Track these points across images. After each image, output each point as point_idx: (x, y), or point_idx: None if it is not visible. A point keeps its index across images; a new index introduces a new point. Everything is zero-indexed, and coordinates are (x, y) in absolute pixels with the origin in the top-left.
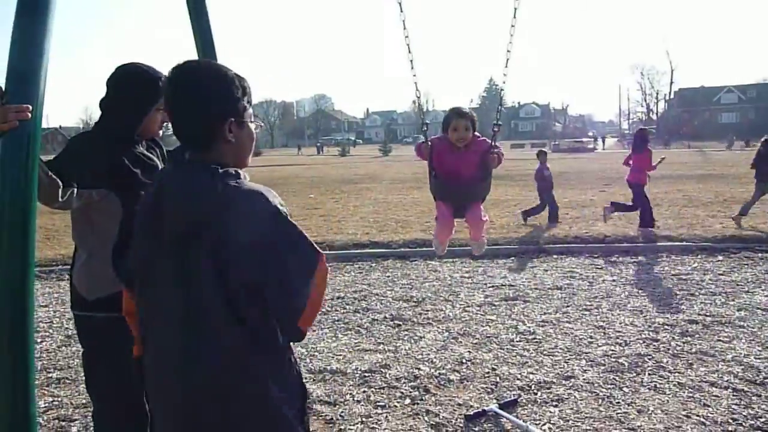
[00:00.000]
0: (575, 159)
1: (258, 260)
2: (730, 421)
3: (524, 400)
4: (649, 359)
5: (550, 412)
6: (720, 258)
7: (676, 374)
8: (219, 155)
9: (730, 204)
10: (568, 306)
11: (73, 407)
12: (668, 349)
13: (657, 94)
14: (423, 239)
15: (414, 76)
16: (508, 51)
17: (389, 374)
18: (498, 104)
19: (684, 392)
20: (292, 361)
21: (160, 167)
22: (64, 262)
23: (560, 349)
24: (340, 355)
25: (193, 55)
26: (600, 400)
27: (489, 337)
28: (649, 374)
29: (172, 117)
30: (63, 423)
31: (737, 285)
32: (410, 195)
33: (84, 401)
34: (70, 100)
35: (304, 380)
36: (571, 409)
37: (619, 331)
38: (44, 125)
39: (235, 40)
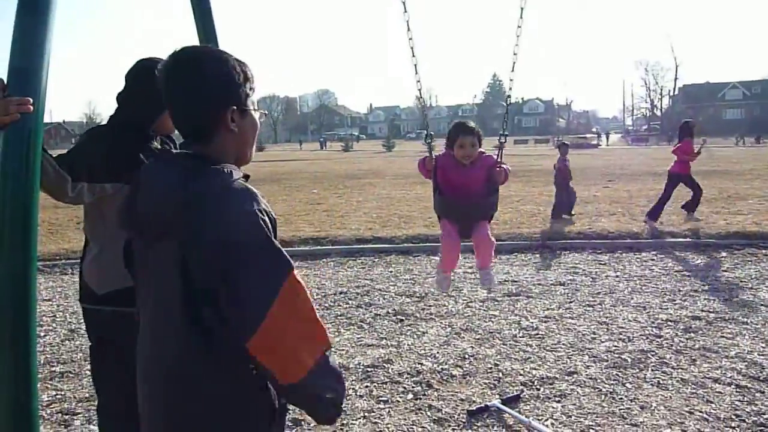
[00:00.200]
0: (579, 155)
1: (218, 266)
2: (733, 417)
3: (527, 396)
4: (652, 355)
5: (553, 407)
6: (724, 254)
7: (679, 370)
8: (221, 147)
9: (734, 200)
10: (571, 302)
11: (76, 401)
12: (671, 346)
13: (661, 90)
14: (426, 235)
15: (418, 81)
16: (515, 54)
17: (392, 369)
18: (504, 116)
19: (687, 388)
20: (254, 376)
21: None
22: (68, 256)
23: (563, 344)
24: (343, 350)
25: None
26: (603, 396)
27: (492, 332)
28: (652, 370)
29: (170, 109)
30: (66, 417)
31: (741, 282)
32: (413, 190)
33: (87, 395)
34: (73, 95)
35: (274, 399)
36: (574, 404)
37: (622, 327)
38: (47, 120)
39: (239, 34)
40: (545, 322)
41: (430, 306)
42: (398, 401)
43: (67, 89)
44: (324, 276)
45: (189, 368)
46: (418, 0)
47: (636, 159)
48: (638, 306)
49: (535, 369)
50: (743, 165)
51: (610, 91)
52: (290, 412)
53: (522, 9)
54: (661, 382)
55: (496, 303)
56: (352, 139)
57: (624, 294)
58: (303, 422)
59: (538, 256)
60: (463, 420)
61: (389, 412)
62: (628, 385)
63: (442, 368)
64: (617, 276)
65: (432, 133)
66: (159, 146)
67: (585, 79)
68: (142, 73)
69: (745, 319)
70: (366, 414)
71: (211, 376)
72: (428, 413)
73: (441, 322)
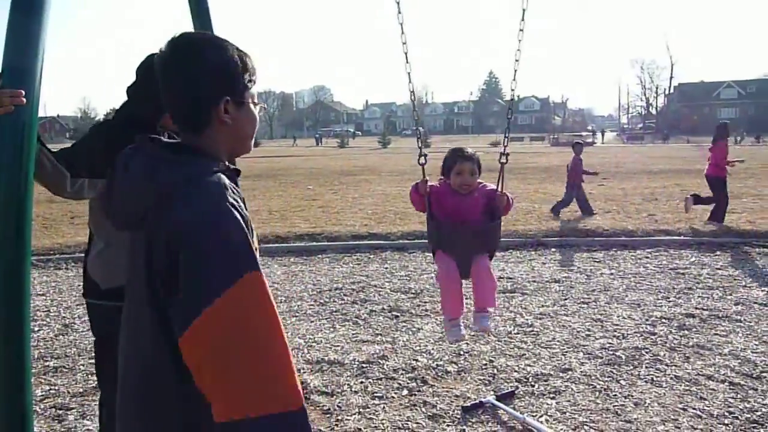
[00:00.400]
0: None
1: (173, 258)
2: (726, 414)
3: (521, 392)
4: (646, 352)
5: (547, 404)
6: (718, 252)
7: (673, 367)
8: (213, 138)
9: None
10: (565, 299)
11: (70, 396)
12: (665, 343)
13: (657, 88)
14: (421, 231)
15: (411, 92)
16: (516, 60)
17: (387, 365)
18: (505, 131)
19: (681, 385)
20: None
21: None
22: (62, 251)
23: (558, 341)
24: (338, 345)
25: None
26: (597, 393)
27: None
28: (646, 367)
29: (164, 98)
30: (60, 411)
31: (734, 279)
32: (409, 187)
33: (81, 390)
34: (68, 89)
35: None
36: (568, 401)
37: (616, 325)
38: (42, 114)
39: (236, 28)
40: (540, 319)
41: (425, 302)
42: (393, 397)
43: (62, 83)
44: (319, 272)
45: (159, 369)
46: None
47: (631, 157)
48: (633, 303)
49: (529, 365)
50: (737, 164)
51: (606, 89)
52: None
53: (524, 10)
54: (654, 379)
55: None
56: (348, 135)
57: (618, 291)
58: None
59: (533, 252)
60: (458, 416)
61: (384, 407)
62: (622, 381)
63: (437, 364)
64: (612, 273)
65: (425, 129)
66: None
67: (581, 78)
68: (151, 67)
69: (739, 317)
70: (361, 410)
71: (182, 374)
72: (423, 409)
73: (436, 319)
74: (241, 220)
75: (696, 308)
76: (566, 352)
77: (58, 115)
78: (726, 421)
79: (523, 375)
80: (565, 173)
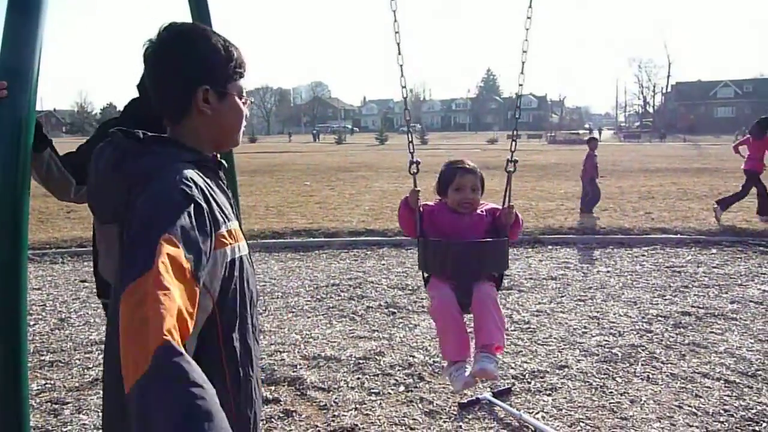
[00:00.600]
0: (571, 150)
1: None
2: (722, 412)
3: (518, 389)
4: (643, 350)
5: (544, 401)
6: (714, 251)
7: (669, 365)
8: (192, 129)
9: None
10: (562, 296)
11: (65, 390)
12: (661, 341)
13: (654, 87)
14: None
15: (405, 99)
16: (522, 61)
17: (384, 361)
18: (512, 133)
19: (676, 383)
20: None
21: None
22: (58, 245)
23: (554, 338)
24: (335, 341)
25: None
26: (593, 390)
27: None
28: (642, 365)
29: (149, 87)
30: (56, 406)
31: (730, 278)
32: (406, 184)
33: (77, 384)
34: (64, 83)
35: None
36: (565, 398)
37: (612, 322)
38: (38, 108)
39: (234, 24)
40: (537, 316)
41: (422, 299)
42: (390, 393)
43: (59, 77)
44: (316, 268)
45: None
46: None
47: (628, 155)
48: (629, 301)
49: (526, 362)
50: (734, 163)
51: (603, 87)
52: (281, 403)
53: (529, 8)
54: (650, 376)
55: None
56: (345, 131)
57: (615, 289)
58: (294, 413)
59: (530, 250)
60: (455, 412)
61: (381, 403)
62: (618, 379)
63: (433, 361)
64: (608, 271)
65: (422, 125)
66: None
67: (578, 76)
68: None
69: (735, 315)
70: (357, 405)
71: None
72: (420, 405)
73: None
74: (186, 217)
75: (692, 306)
76: (563, 349)
77: (54, 109)
78: (721, 419)
79: (520, 372)
80: (558, 172)
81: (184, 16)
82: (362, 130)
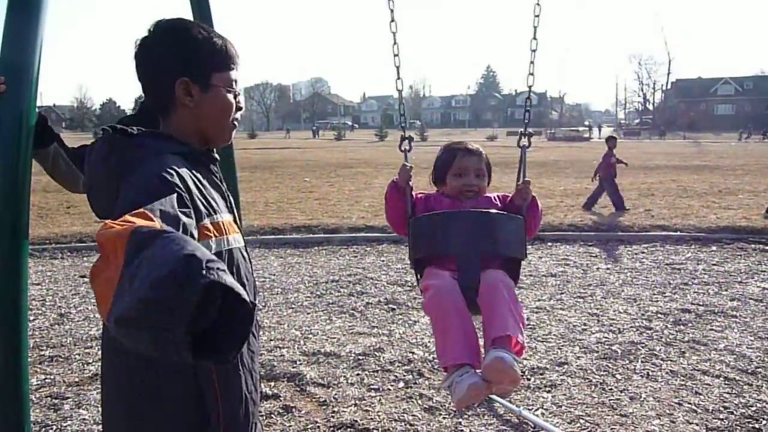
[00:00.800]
0: (570, 147)
1: None
2: (722, 409)
3: (517, 386)
4: (642, 347)
5: (543, 397)
6: (714, 248)
7: (669, 362)
8: (178, 122)
9: (724, 195)
10: (562, 293)
11: (65, 385)
12: (661, 338)
13: (654, 84)
14: None
15: (399, 83)
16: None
17: (383, 358)
18: (525, 101)
19: (676, 380)
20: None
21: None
22: (58, 240)
23: (554, 335)
24: (334, 338)
25: None
26: (593, 387)
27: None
28: (641, 362)
29: (141, 86)
30: (56, 401)
31: (730, 275)
32: None
33: (77, 379)
34: (64, 78)
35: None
36: (564, 395)
37: (612, 319)
38: (38, 103)
39: (235, 20)
40: (536, 312)
41: (421, 296)
42: (389, 389)
43: (58, 73)
44: (316, 264)
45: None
46: None
47: (627, 152)
48: (629, 298)
49: (525, 359)
50: (734, 161)
51: (604, 84)
52: (280, 399)
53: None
54: (650, 373)
55: None
56: (345, 128)
57: (615, 286)
58: (294, 409)
59: (529, 247)
60: (454, 409)
61: (380, 400)
62: (618, 376)
63: (433, 357)
64: (608, 268)
65: (421, 122)
66: None
67: (578, 73)
68: None
69: (734, 313)
70: (357, 402)
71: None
72: (419, 402)
73: None
74: (167, 202)
75: (692, 304)
76: (562, 346)
77: (54, 105)
78: (721, 416)
79: (520, 368)
80: (558, 169)
81: (185, 10)
82: (362, 126)
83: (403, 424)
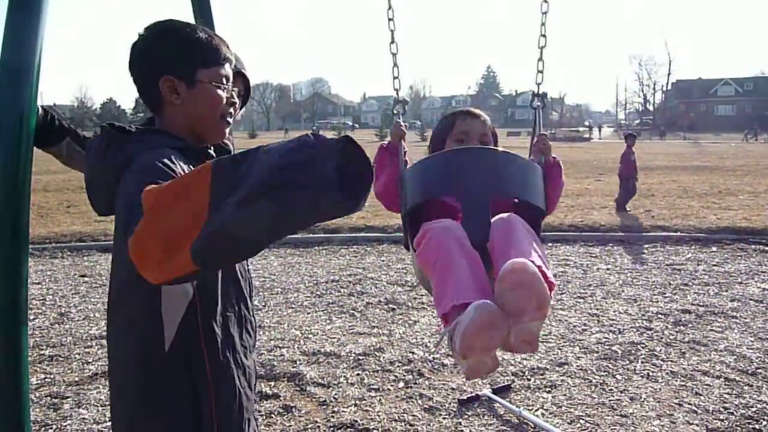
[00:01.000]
0: (571, 148)
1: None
2: (722, 409)
3: (517, 386)
4: (642, 348)
5: (543, 398)
6: (714, 249)
7: (669, 363)
8: (170, 119)
9: (724, 196)
10: (562, 293)
11: (65, 384)
12: (661, 338)
13: (654, 85)
14: None
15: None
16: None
17: (383, 358)
18: (540, 52)
19: (676, 381)
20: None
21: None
22: (57, 239)
23: (554, 336)
24: (334, 337)
25: None
26: (593, 387)
27: None
28: (642, 362)
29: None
30: (55, 400)
31: (730, 276)
32: None
33: (76, 378)
34: (64, 78)
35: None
36: (564, 395)
37: (612, 320)
38: (38, 103)
39: (234, 20)
40: None
41: (421, 295)
42: (389, 389)
43: (58, 73)
44: (316, 264)
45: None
46: None
47: None
48: (629, 298)
49: (525, 359)
50: (734, 161)
51: (604, 85)
52: (280, 399)
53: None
54: (650, 374)
55: None
56: (345, 128)
57: (615, 286)
58: (293, 409)
59: None
60: (454, 409)
61: (380, 400)
62: (618, 376)
63: (433, 357)
64: (608, 269)
65: (421, 122)
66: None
67: (579, 73)
68: None
69: (735, 313)
70: (357, 402)
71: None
72: (419, 402)
73: (433, 312)
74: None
75: (692, 304)
76: (562, 346)
77: (54, 104)
78: (721, 417)
79: (520, 369)
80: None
81: (185, 9)
82: (362, 126)
83: (403, 424)
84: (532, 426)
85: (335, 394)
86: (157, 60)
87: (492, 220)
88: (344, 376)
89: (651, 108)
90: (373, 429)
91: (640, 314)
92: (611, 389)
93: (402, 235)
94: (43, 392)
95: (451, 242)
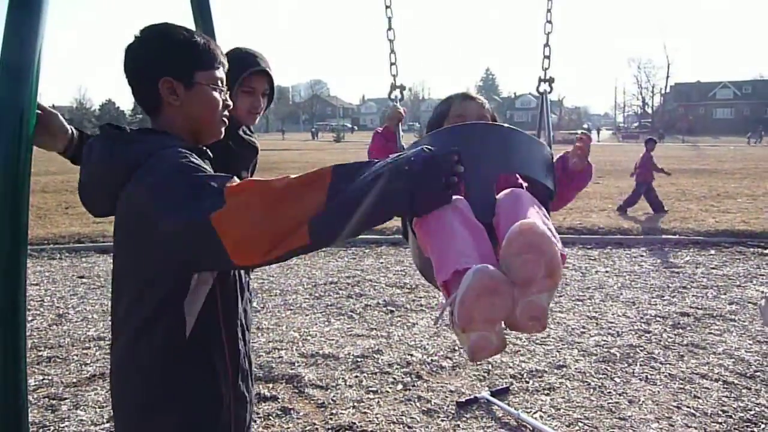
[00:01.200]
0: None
1: (144, 210)
2: (720, 413)
3: (516, 388)
4: (641, 350)
5: (542, 400)
6: (712, 252)
7: (668, 366)
8: (168, 121)
9: (723, 199)
10: (560, 296)
11: (63, 386)
12: (660, 341)
13: (653, 87)
14: None
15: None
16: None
17: (382, 360)
18: (546, 36)
19: (675, 383)
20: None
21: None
22: (56, 241)
23: (552, 338)
24: (333, 339)
25: None
26: (591, 390)
27: None
28: (640, 365)
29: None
30: (53, 401)
31: (729, 279)
32: None
33: (74, 380)
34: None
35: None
36: (563, 398)
37: (611, 322)
38: (38, 103)
39: (233, 22)
40: None
41: (420, 297)
42: (388, 392)
43: (58, 73)
44: (315, 266)
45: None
46: None
47: (626, 156)
48: (627, 301)
49: (524, 362)
50: (733, 164)
51: (603, 88)
52: (278, 401)
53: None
54: (649, 376)
55: None
56: (344, 129)
57: (613, 289)
58: (292, 411)
59: None
60: (453, 411)
61: (378, 402)
62: (616, 379)
63: (431, 359)
64: (607, 271)
65: (420, 124)
66: (242, 135)
67: (578, 76)
68: (234, 58)
69: (733, 317)
70: (355, 404)
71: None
72: (417, 404)
73: (431, 314)
74: (200, 171)
75: (690, 307)
76: (561, 349)
77: (53, 105)
78: (720, 420)
79: (518, 371)
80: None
81: (185, 11)
82: (361, 128)
83: (401, 426)
84: (531, 429)
85: (333, 396)
86: (156, 61)
87: (498, 195)
88: (342, 378)
89: (650, 111)
90: (371, 431)
91: (639, 317)
92: (610, 392)
93: (401, 236)
94: (40, 393)
95: (454, 214)
